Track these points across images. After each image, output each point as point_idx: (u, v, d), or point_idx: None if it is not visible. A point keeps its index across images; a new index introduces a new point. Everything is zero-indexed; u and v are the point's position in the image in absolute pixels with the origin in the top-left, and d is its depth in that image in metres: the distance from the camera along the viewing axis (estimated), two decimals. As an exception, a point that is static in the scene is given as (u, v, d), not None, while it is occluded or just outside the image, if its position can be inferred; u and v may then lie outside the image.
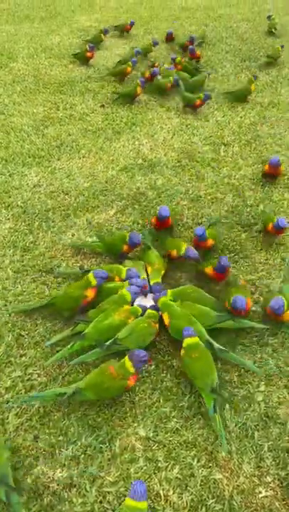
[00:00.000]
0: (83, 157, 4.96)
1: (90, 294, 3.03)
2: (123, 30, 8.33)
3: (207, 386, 2.56)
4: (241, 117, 5.66)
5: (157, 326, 2.93)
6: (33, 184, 4.53)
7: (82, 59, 7.03)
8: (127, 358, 2.58)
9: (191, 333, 2.74)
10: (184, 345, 2.73)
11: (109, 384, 2.53)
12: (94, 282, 3.01)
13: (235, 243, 3.79)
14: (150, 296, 3.22)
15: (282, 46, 7.15)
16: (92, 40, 7.53)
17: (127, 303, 3.02)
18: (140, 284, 3.09)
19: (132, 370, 2.54)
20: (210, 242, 3.49)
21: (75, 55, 7.10)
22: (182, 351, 2.73)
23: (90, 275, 3.03)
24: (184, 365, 2.73)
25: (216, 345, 2.83)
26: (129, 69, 6.32)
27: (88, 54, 6.93)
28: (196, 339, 2.74)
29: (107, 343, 2.78)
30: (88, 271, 3.30)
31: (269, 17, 8.70)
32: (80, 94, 6.23)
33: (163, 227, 3.74)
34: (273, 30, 8.44)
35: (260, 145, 5.11)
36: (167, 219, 3.64)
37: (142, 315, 2.99)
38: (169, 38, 7.90)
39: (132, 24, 8.24)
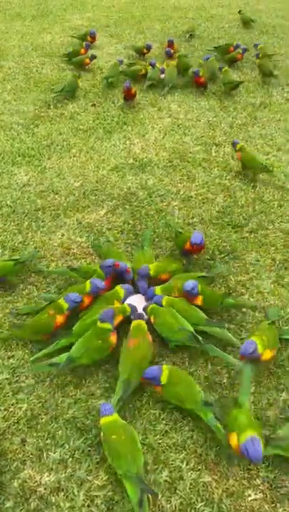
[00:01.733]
0: (74, 156, 4.92)
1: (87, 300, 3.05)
2: (235, 60, 6.94)
3: (197, 403, 2.48)
4: (233, 118, 5.65)
5: (114, 338, 2.79)
6: (22, 183, 4.48)
7: (75, 57, 6.95)
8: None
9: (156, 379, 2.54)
10: (162, 382, 2.53)
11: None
12: (66, 306, 2.91)
13: (225, 244, 3.78)
14: (140, 296, 3.19)
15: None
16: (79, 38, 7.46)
17: (119, 299, 3.03)
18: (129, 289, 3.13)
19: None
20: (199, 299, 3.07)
21: (67, 55, 7.02)
22: (160, 389, 2.56)
23: (61, 300, 2.93)
24: (168, 397, 2.56)
25: (200, 338, 2.80)
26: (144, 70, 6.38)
27: (82, 51, 6.87)
28: (166, 368, 2.58)
29: (63, 362, 2.67)
30: (76, 269, 3.28)
31: (239, 12, 8.94)
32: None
33: (194, 252, 3.51)
34: (251, 22, 8.65)
35: (251, 145, 5.10)
36: (199, 246, 3.35)
37: (130, 315, 2.97)
38: (170, 47, 7.11)
39: (241, 50, 6.93)
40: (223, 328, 2.95)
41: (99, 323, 2.77)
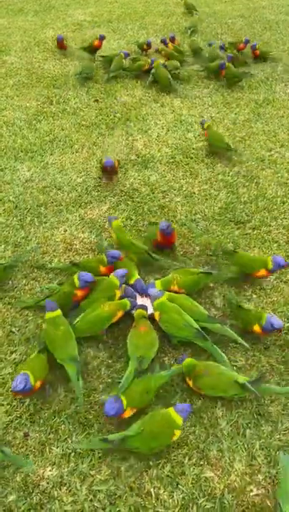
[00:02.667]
0: (76, 152, 4.91)
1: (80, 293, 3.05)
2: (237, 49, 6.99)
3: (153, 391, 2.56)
4: (236, 114, 5.63)
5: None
6: (25, 179, 4.48)
7: (90, 48, 6.86)
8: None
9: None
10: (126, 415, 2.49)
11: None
12: (78, 284, 2.99)
13: (228, 240, 3.77)
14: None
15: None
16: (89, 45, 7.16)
17: (116, 287, 3.02)
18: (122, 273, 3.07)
19: None
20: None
21: (84, 49, 6.93)
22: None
23: (75, 277, 3.00)
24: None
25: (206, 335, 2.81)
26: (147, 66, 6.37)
27: (96, 43, 6.76)
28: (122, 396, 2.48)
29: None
30: (77, 264, 3.31)
31: None
32: (74, 88, 6.17)
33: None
34: (194, 11, 8.86)
35: (254, 142, 5.09)
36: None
37: (130, 310, 2.98)
38: (172, 42, 7.13)
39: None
40: (224, 324, 2.95)
41: (48, 314, 2.80)
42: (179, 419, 2.32)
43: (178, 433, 2.34)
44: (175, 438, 2.35)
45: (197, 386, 2.60)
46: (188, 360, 2.67)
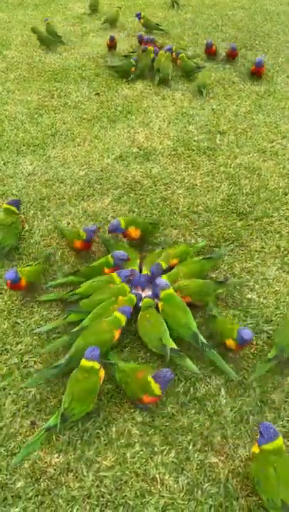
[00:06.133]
0: (78, 145, 4.93)
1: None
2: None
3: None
4: (237, 106, 5.63)
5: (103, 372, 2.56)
6: (27, 172, 4.50)
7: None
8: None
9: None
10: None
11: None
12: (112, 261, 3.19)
13: (230, 231, 3.79)
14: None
15: None
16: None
17: (126, 294, 3.00)
18: (126, 273, 3.11)
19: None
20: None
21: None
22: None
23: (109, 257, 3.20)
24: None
25: (202, 340, 2.76)
26: (132, 68, 6.19)
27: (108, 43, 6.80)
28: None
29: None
30: (77, 271, 3.33)
31: None
32: (75, 82, 6.17)
33: None
34: (175, 3, 8.89)
35: (255, 133, 5.09)
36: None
37: (137, 304, 2.99)
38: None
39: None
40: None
41: (84, 362, 2.49)
42: None
43: None
44: None
45: (137, 326, 2.88)
46: (146, 300, 3.00)
